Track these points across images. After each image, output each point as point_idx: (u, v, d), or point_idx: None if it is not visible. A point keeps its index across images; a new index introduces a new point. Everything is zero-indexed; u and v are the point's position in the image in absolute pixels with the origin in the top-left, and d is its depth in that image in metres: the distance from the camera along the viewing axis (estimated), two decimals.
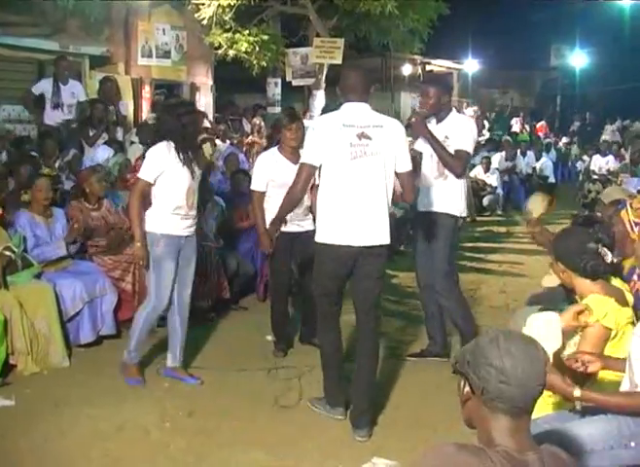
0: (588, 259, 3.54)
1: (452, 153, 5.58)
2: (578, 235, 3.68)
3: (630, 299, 3.62)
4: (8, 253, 5.66)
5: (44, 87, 9.38)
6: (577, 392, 3.00)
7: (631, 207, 4.35)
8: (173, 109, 5.49)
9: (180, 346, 5.63)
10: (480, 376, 2.08)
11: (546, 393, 3.17)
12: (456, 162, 5.59)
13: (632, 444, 3.01)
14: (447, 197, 5.68)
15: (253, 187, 6.05)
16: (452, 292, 5.85)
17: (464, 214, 5.87)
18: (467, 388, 2.14)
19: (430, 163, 5.73)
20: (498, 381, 2.04)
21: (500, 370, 2.05)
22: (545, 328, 3.07)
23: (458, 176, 5.66)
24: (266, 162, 6.01)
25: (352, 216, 4.56)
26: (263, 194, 5.98)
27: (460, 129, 5.68)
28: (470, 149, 5.69)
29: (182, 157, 5.29)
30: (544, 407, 3.22)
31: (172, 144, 5.29)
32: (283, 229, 5.82)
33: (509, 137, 18.71)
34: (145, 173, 5.30)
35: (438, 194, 5.71)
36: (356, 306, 4.86)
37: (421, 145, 5.78)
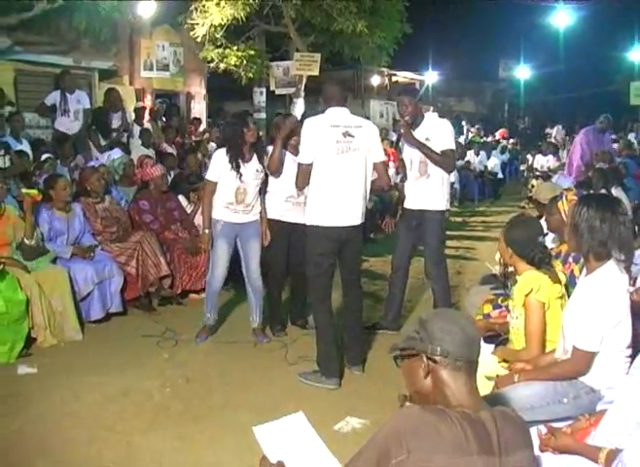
0: (537, 251, 3.54)
1: (439, 153, 5.52)
2: (530, 229, 3.65)
3: (563, 278, 3.65)
4: (30, 242, 5.64)
5: (54, 97, 9.34)
6: (516, 378, 3.21)
7: (566, 199, 4.39)
8: (234, 121, 5.69)
9: (255, 311, 5.83)
10: (439, 343, 2.08)
11: (485, 376, 3.31)
12: (445, 160, 5.55)
13: (565, 400, 3.06)
14: (433, 194, 5.63)
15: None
16: (442, 278, 5.83)
17: (445, 207, 5.77)
18: (426, 362, 2.11)
19: (414, 166, 5.70)
20: (454, 341, 2.08)
21: (454, 332, 2.09)
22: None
23: (449, 172, 5.72)
24: None
25: (339, 202, 4.79)
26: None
27: (440, 130, 5.60)
28: (453, 146, 5.64)
29: (232, 162, 5.47)
30: (485, 387, 3.22)
31: (228, 151, 5.49)
32: (283, 219, 5.83)
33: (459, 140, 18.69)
34: (210, 175, 5.61)
35: (424, 192, 5.67)
36: (344, 275, 5.11)
37: (408, 151, 5.75)
